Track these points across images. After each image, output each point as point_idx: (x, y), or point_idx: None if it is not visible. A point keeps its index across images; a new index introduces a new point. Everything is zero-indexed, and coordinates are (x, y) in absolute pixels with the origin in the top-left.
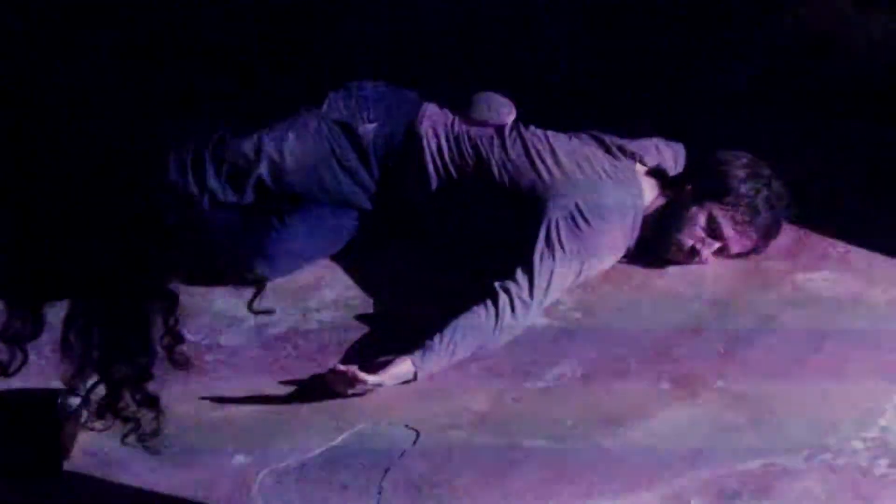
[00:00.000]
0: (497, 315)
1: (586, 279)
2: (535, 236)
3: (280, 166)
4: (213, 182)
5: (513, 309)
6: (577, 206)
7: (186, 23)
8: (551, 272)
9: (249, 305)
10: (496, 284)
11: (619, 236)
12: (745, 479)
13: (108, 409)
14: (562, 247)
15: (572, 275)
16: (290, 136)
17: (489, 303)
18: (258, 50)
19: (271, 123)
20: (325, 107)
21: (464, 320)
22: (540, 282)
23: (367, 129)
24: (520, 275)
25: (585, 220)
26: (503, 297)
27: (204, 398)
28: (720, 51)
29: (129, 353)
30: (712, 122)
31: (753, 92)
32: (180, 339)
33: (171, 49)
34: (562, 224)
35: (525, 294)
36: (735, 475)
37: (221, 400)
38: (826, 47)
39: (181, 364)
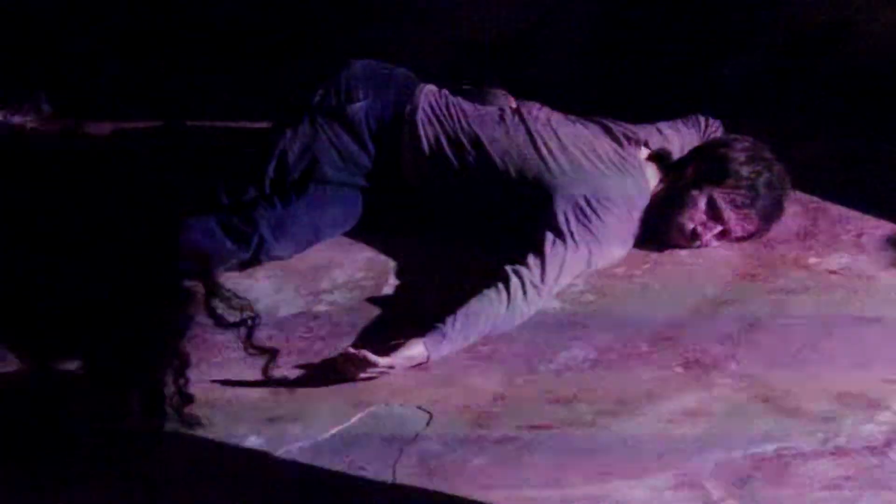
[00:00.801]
0: (509, 299)
1: (598, 267)
2: (545, 224)
3: (283, 165)
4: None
5: (524, 293)
6: (584, 197)
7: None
8: (562, 260)
9: (264, 373)
10: (508, 268)
11: (627, 227)
12: (759, 463)
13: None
14: (572, 236)
15: (582, 264)
16: (287, 133)
17: (501, 286)
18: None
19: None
20: (315, 98)
21: (476, 304)
22: (551, 268)
23: (355, 107)
24: (531, 260)
25: (594, 211)
26: (515, 281)
27: (216, 380)
28: (730, 37)
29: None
30: (724, 107)
31: (763, 80)
32: (189, 399)
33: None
34: (570, 215)
35: (537, 279)
36: (749, 459)
37: (234, 382)
38: (839, 34)
39: (192, 424)
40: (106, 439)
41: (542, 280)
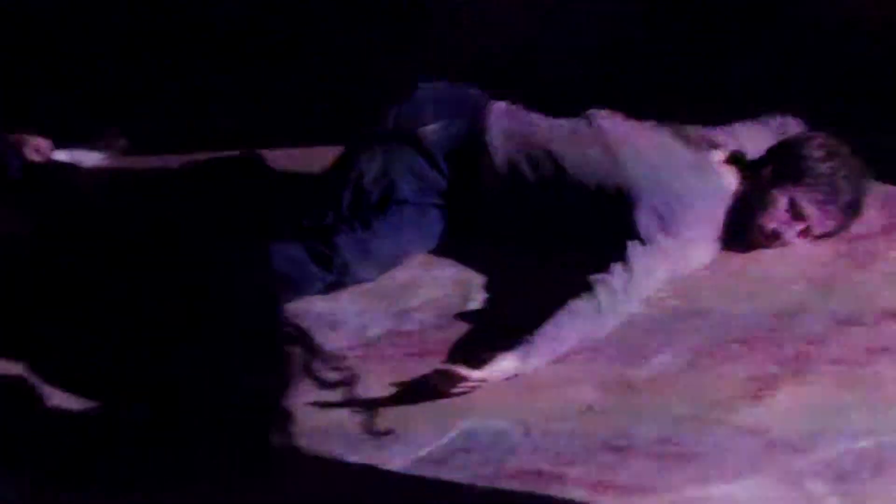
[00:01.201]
0: (596, 307)
1: (683, 273)
2: (628, 232)
3: (360, 188)
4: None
5: (611, 301)
6: (665, 203)
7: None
8: (647, 267)
9: (369, 430)
10: (593, 277)
11: (709, 231)
12: (860, 458)
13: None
14: (657, 243)
15: (667, 270)
16: (363, 158)
17: (587, 295)
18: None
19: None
20: (388, 122)
21: (564, 313)
22: (637, 275)
23: (427, 130)
24: (617, 268)
25: (675, 217)
26: (601, 290)
27: (310, 403)
28: (736, 38)
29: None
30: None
31: (780, 76)
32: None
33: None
34: (652, 221)
35: (623, 287)
36: (849, 454)
37: (329, 404)
38: (856, 26)
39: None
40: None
41: (628, 287)
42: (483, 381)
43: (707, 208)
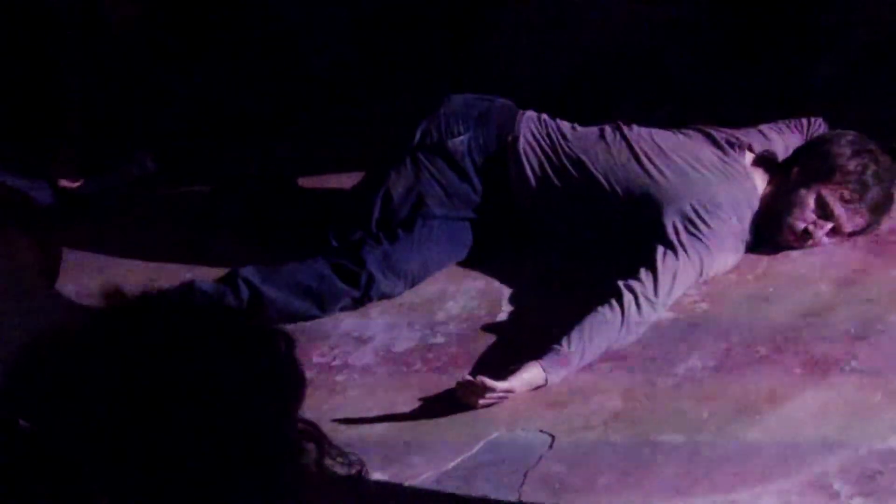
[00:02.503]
0: (623, 314)
1: (709, 277)
2: (655, 237)
3: (388, 205)
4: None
5: (638, 307)
6: (692, 207)
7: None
8: (675, 272)
9: None
10: (620, 283)
11: (737, 234)
12: (886, 458)
13: None
14: (683, 248)
15: (694, 274)
16: (391, 174)
17: (614, 302)
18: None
19: (374, 168)
20: (417, 137)
21: (590, 321)
22: (664, 281)
23: (457, 142)
24: (643, 274)
25: (703, 220)
26: (628, 296)
27: (337, 419)
28: (820, 39)
29: None
30: (816, 111)
31: (851, 76)
32: None
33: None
34: (679, 226)
35: (650, 293)
36: (875, 455)
37: (355, 420)
38: None
39: None
40: None
41: (656, 293)
42: (510, 391)
43: (735, 212)
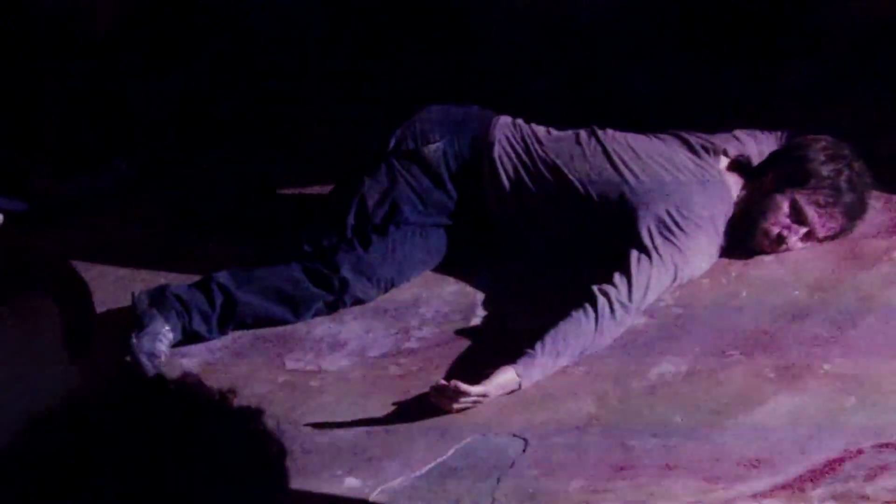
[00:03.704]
0: (597, 318)
1: (683, 282)
2: (630, 242)
3: (363, 211)
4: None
5: (612, 312)
6: (667, 211)
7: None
8: (648, 276)
9: None
10: (594, 288)
11: (711, 238)
12: (859, 461)
13: None
14: (657, 252)
15: (669, 279)
16: (366, 181)
17: (588, 307)
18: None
19: (349, 175)
20: (391, 144)
21: (564, 325)
22: (638, 285)
23: (431, 149)
24: (618, 278)
25: (677, 225)
26: (602, 301)
27: (311, 424)
28: (783, 44)
29: None
30: (788, 115)
31: (823, 81)
32: None
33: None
34: (654, 230)
35: (624, 297)
36: (848, 457)
37: (329, 424)
38: (892, 29)
39: None
40: None
41: (630, 298)
42: (484, 396)
43: (710, 214)
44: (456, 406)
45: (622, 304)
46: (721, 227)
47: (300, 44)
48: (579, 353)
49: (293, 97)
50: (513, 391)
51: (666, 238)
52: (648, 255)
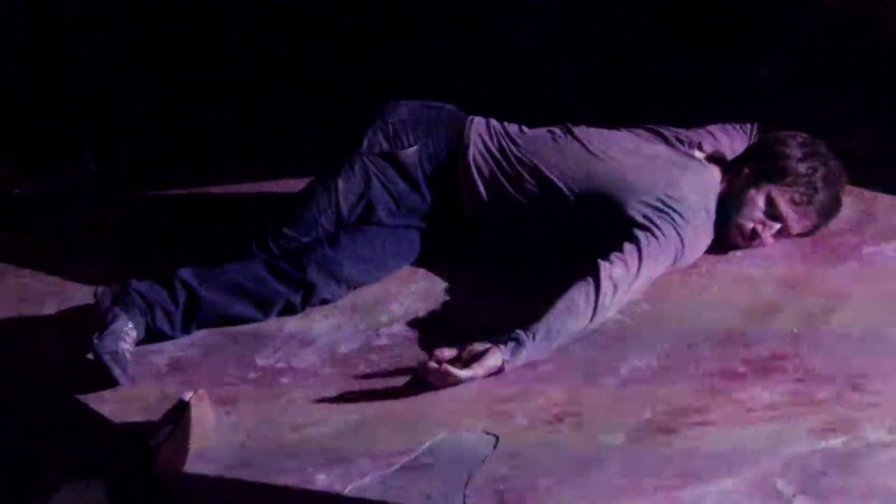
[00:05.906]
0: (595, 305)
1: (680, 263)
2: (626, 226)
3: (336, 211)
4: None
5: (614, 294)
6: (657, 197)
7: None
8: (651, 252)
9: None
10: (601, 272)
11: (704, 220)
12: (829, 457)
13: None
14: (658, 229)
15: (671, 255)
16: (340, 182)
17: (590, 291)
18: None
19: (320, 174)
20: (364, 144)
21: (561, 314)
22: (643, 262)
23: (409, 152)
24: (621, 256)
25: (671, 208)
26: (606, 285)
27: (281, 421)
28: (755, 38)
29: None
30: (760, 109)
31: (795, 75)
32: None
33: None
34: (649, 212)
35: (627, 275)
36: (818, 453)
37: (299, 422)
38: (862, 25)
39: None
40: None
41: (637, 276)
42: (472, 379)
43: (701, 199)
44: (442, 385)
45: (623, 282)
46: (712, 209)
47: (271, 39)
48: (571, 340)
49: (262, 94)
50: (495, 373)
51: (663, 217)
52: (650, 233)
